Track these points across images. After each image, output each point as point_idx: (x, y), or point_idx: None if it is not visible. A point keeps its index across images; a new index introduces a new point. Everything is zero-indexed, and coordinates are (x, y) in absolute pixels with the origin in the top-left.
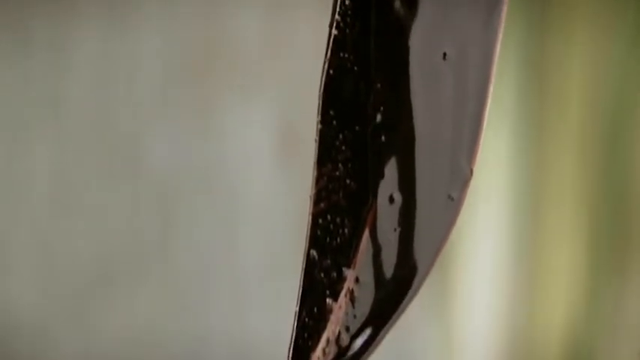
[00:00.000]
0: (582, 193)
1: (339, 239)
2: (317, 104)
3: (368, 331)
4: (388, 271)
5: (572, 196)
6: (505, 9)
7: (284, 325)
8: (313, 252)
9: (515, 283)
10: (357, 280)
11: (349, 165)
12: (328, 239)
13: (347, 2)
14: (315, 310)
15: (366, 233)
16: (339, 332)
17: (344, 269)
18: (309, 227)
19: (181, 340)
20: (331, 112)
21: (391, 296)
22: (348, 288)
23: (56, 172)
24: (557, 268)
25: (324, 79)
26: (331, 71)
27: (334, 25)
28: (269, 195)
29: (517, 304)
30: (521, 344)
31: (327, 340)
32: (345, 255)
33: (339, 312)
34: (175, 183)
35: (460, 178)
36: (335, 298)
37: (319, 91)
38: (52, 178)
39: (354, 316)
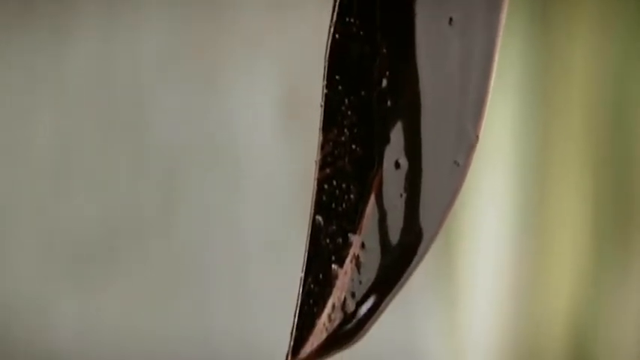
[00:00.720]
0: (588, 158)
1: (344, 205)
2: (322, 69)
3: (373, 297)
4: (394, 236)
5: (578, 161)
6: None
7: (289, 292)
8: (319, 218)
9: (520, 249)
10: (362, 245)
11: (355, 130)
12: (334, 205)
13: None
14: (321, 276)
15: (372, 199)
16: (345, 298)
17: (349, 235)
18: (315, 193)
19: (183, 311)
20: (337, 77)
21: (397, 262)
22: (354, 254)
23: (57, 143)
24: (563, 231)
25: (329, 43)
26: (337, 36)
27: None
28: (273, 161)
29: (522, 270)
30: (526, 310)
31: (333, 306)
32: (351, 221)
33: (344, 278)
34: (178, 152)
35: (466, 143)
36: (340, 264)
37: (325, 56)
38: (54, 149)
39: (360, 282)
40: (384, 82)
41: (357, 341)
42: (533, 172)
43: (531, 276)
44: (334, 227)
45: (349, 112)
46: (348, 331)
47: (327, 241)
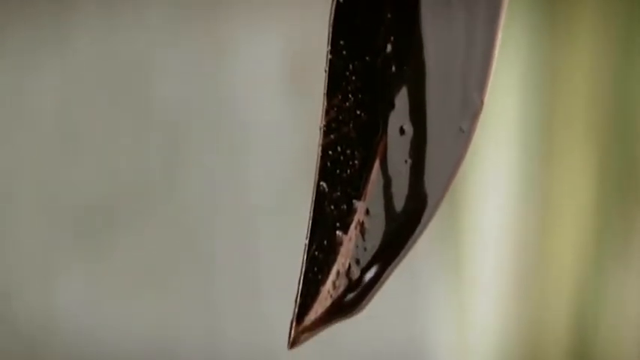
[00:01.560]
0: (592, 127)
1: (349, 171)
2: (326, 34)
3: (378, 264)
4: (399, 203)
5: (583, 130)
6: None
7: (294, 258)
8: (323, 184)
9: (525, 215)
10: (367, 212)
11: (359, 96)
12: (338, 171)
13: None
14: (325, 242)
15: (377, 165)
16: (349, 265)
17: (354, 201)
18: (319, 159)
19: (187, 275)
20: (341, 42)
21: (402, 228)
22: (359, 220)
23: (61, 110)
24: (567, 200)
25: (333, 8)
26: (341, 0)
27: None
28: (278, 127)
29: (527, 236)
30: (531, 277)
31: (337, 273)
32: (355, 187)
33: (349, 244)
34: (182, 117)
35: (471, 109)
36: (345, 231)
37: (329, 21)
38: (57, 116)
39: (365, 249)
40: (389, 48)
41: (361, 308)
42: (538, 140)
43: (535, 243)
44: (338, 193)
45: (354, 78)
46: (352, 298)
47: (332, 207)
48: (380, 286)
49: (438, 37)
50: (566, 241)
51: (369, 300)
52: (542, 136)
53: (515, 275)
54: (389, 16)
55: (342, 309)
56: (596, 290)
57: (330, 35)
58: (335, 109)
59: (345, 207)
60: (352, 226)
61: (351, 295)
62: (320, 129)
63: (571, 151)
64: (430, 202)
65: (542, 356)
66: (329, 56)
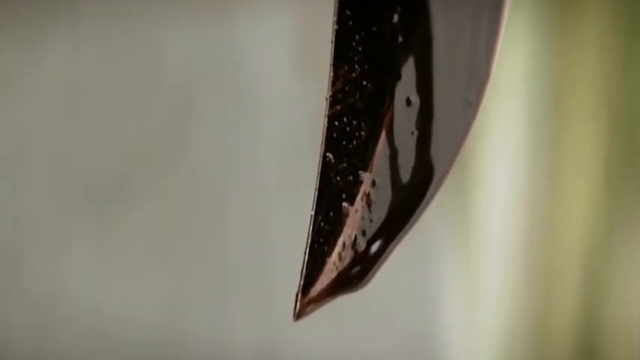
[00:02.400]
0: (600, 97)
1: (355, 142)
2: (333, 4)
3: (384, 235)
4: (405, 174)
5: (591, 96)
6: None
7: (300, 229)
8: (329, 155)
9: (533, 184)
10: (373, 183)
11: (366, 66)
12: (344, 142)
13: None
14: (331, 214)
15: (383, 136)
16: (356, 236)
17: (360, 172)
18: (325, 130)
19: (198, 247)
20: (347, 13)
21: (408, 200)
22: (365, 191)
23: (69, 80)
24: (576, 164)
25: None
26: None
27: None
28: (284, 98)
29: (535, 205)
30: (539, 245)
31: (343, 245)
32: (362, 158)
33: (355, 216)
34: (192, 89)
35: (478, 80)
36: (351, 202)
37: None
38: (65, 86)
39: (371, 220)
40: (396, 18)
41: (368, 281)
42: (546, 110)
43: (544, 212)
44: (345, 165)
45: (360, 48)
46: (358, 270)
47: (338, 178)
48: (386, 258)
49: (445, 7)
50: (575, 209)
51: (375, 272)
52: (550, 105)
53: (524, 245)
54: None
55: (347, 281)
56: (605, 256)
57: (337, 5)
58: (341, 79)
59: (351, 178)
60: (358, 197)
61: (357, 267)
62: (326, 100)
63: (579, 120)
64: (437, 173)
65: (551, 320)
66: (335, 26)
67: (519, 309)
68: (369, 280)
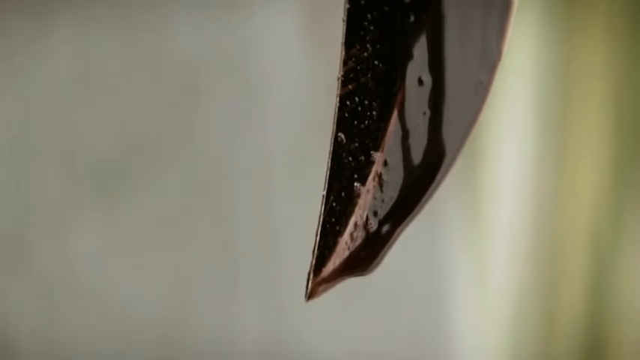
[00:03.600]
0: (610, 81)
1: (367, 122)
2: None
3: (396, 216)
4: (417, 154)
5: (600, 77)
6: None
7: (308, 211)
8: (341, 135)
9: (542, 165)
10: (385, 163)
11: (377, 46)
12: (356, 122)
13: None
14: (343, 194)
15: (395, 116)
16: (367, 217)
17: (372, 152)
18: (337, 109)
19: (204, 226)
20: None
21: (419, 180)
22: (376, 171)
23: (77, 60)
24: (584, 146)
25: None
26: None
27: None
28: (295, 77)
29: (544, 186)
30: (548, 227)
31: (355, 225)
32: (373, 138)
33: (367, 196)
34: (199, 68)
35: (489, 60)
36: (363, 182)
37: None
38: (73, 66)
39: (382, 201)
40: None
41: (378, 263)
42: (554, 90)
43: (552, 193)
44: (356, 144)
45: (372, 28)
46: (370, 250)
47: (350, 158)
48: (397, 238)
49: None
50: (583, 190)
51: (385, 253)
52: (558, 86)
53: (532, 227)
54: None
55: (359, 261)
56: (613, 239)
57: None
58: (353, 59)
59: (362, 158)
60: (370, 177)
61: (368, 247)
62: (338, 79)
63: (588, 101)
64: (448, 153)
65: (559, 302)
66: (347, 5)
67: (527, 290)
68: (379, 261)
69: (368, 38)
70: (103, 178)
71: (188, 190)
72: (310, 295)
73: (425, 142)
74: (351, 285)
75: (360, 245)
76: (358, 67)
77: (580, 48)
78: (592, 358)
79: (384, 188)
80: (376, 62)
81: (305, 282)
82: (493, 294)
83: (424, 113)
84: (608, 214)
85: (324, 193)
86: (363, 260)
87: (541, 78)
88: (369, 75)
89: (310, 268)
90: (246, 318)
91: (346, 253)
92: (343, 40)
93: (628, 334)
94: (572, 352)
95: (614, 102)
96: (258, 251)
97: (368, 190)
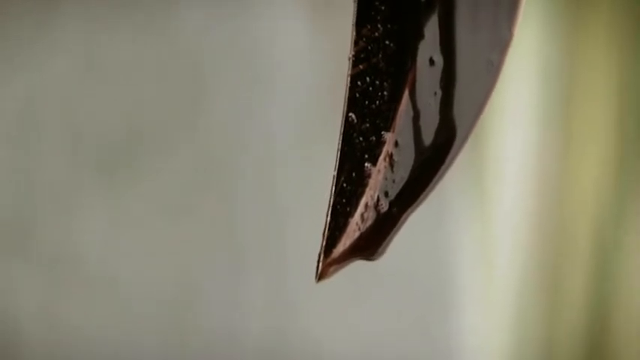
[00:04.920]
0: (614, 59)
1: (378, 102)
2: None
3: (406, 196)
4: (427, 134)
5: (605, 60)
6: None
7: (318, 193)
8: (352, 115)
9: (547, 146)
10: (396, 143)
11: (389, 26)
12: (367, 102)
13: None
14: (354, 174)
15: (406, 96)
16: (378, 197)
17: (383, 133)
18: (348, 90)
19: (211, 212)
20: None
21: (430, 160)
22: (387, 152)
23: (84, 44)
24: (589, 128)
25: None
26: None
27: None
28: (306, 58)
29: (548, 174)
30: (552, 215)
31: (366, 206)
32: (384, 118)
33: (377, 176)
34: (206, 51)
35: (501, 41)
36: (374, 163)
37: None
38: (79, 49)
39: (393, 181)
40: None
41: (388, 243)
42: (560, 73)
43: (557, 180)
44: (367, 125)
45: (383, 8)
46: (380, 231)
47: (360, 139)
48: (406, 219)
49: None
50: (587, 176)
51: (395, 234)
52: (563, 73)
53: (536, 212)
54: None
55: (369, 242)
56: (615, 224)
57: None
58: (364, 39)
59: (373, 138)
60: (381, 157)
61: (378, 228)
62: (349, 59)
63: (592, 89)
64: (459, 134)
65: (563, 284)
66: None
67: (531, 276)
68: (388, 243)
69: (379, 18)
70: (109, 162)
71: (194, 174)
72: (321, 276)
73: (436, 122)
74: (357, 268)
75: (370, 226)
76: (369, 47)
77: (585, 37)
78: (595, 344)
79: (395, 169)
80: (387, 42)
81: (312, 264)
82: (498, 279)
83: (435, 93)
84: (612, 200)
85: (335, 173)
86: (373, 241)
87: (546, 64)
88: (380, 55)
89: (320, 249)
90: (253, 301)
91: (357, 234)
92: (354, 21)
93: (631, 320)
94: (576, 338)
95: (618, 91)
96: (264, 235)
97: (379, 171)
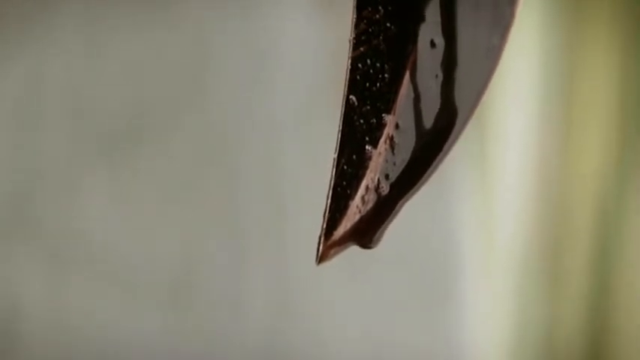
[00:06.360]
0: (616, 34)
1: (378, 84)
2: None
3: (407, 179)
4: (428, 117)
5: (606, 35)
6: None
7: (320, 172)
8: (352, 97)
9: (548, 124)
10: (397, 126)
11: (389, 8)
12: (368, 84)
13: None
14: (354, 157)
15: (407, 78)
16: (379, 180)
17: (384, 115)
18: (348, 72)
19: (210, 186)
20: None
21: (431, 143)
22: (388, 134)
23: (88, 16)
24: (590, 104)
25: None
26: None
27: None
28: (307, 40)
29: (550, 149)
30: (555, 190)
31: (366, 188)
32: (385, 100)
33: (378, 159)
34: (209, 29)
35: (502, 23)
36: (374, 145)
37: None
38: (83, 23)
39: (394, 164)
40: None
41: (386, 226)
42: (560, 49)
43: (559, 155)
44: (368, 107)
45: None
46: (381, 213)
47: (361, 121)
48: (407, 201)
49: None
50: (589, 150)
51: (396, 215)
52: (566, 47)
53: (538, 187)
54: None
55: (370, 224)
56: (617, 198)
57: None
58: (365, 21)
59: (374, 121)
60: (382, 140)
61: (379, 210)
62: (349, 41)
63: (594, 59)
64: (460, 116)
65: (564, 261)
66: None
67: (533, 252)
68: (389, 222)
69: (380, 0)
70: (112, 141)
71: (197, 152)
72: (321, 258)
73: (437, 105)
74: (359, 249)
75: (371, 208)
76: (370, 30)
77: (586, 19)
78: (597, 316)
79: (395, 151)
80: (388, 24)
81: (314, 246)
82: (499, 256)
83: (436, 76)
84: (614, 173)
85: (336, 155)
86: (374, 224)
87: (547, 34)
88: (381, 37)
89: (321, 231)
90: (254, 281)
91: (357, 217)
92: (355, 3)
93: (633, 293)
94: (578, 310)
95: (620, 69)
96: (266, 214)
97: (380, 153)
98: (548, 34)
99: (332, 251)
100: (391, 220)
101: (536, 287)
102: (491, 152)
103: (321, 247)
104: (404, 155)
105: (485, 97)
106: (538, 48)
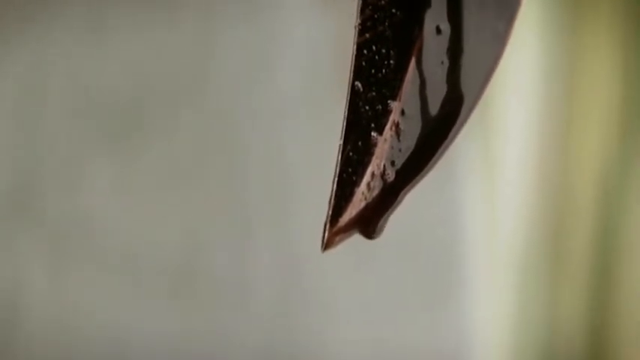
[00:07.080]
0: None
1: (384, 70)
2: None
3: (413, 165)
4: (434, 103)
5: (608, 21)
6: None
7: (326, 157)
8: (358, 84)
9: (550, 110)
10: (402, 112)
11: None
12: (373, 71)
13: None
14: (360, 143)
15: (412, 64)
16: (384, 166)
17: (389, 102)
18: (354, 58)
19: (216, 173)
20: None
21: (437, 129)
22: (394, 121)
23: (89, 20)
24: (592, 90)
25: None
26: None
27: None
28: (312, 26)
29: (552, 131)
30: (557, 177)
31: (372, 175)
32: (391, 87)
33: (384, 146)
34: (213, 12)
35: (508, 10)
36: (380, 132)
37: None
38: (87, 14)
39: (400, 150)
40: None
41: (393, 210)
42: (562, 36)
43: (561, 142)
44: (374, 93)
45: None
46: (386, 200)
47: (367, 107)
48: (413, 187)
49: None
50: (591, 136)
51: (401, 201)
52: (566, 31)
53: (541, 173)
54: None
55: (375, 211)
56: (619, 178)
57: None
58: (370, 7)
59: (380, 107)
60: (387, 126)
61: (385, 197)
62: (355, 27)
63: (595, 54)
64: (466, 103)
65: (567, 245)
66: None
67: (536, 238)
68: (394, 208)
69: None
70: (115, 127)
71: (201, 137)
72: (326, 245)
73: (443, 91)
74: (364, 240)
75: (377, 195)
76: (376, 16)
77: (588, 8)
78: (599, 311)
79: (401, 137)
80: (394, 10)
81: (319, 232)
82: (501, 250)
83: (442, 62)
84: (616, 168)
85: (341, 142)
86: (379, 211)
87: (550, 35)
88: (387, 23)
89: (326, 218)
90: (258, 269)
91: (363, 204)
92: None
93: (636, 286)
94: (580, 306)
95: (621, 59)
96: (271, 199)
97: (385, 140)
98: (549, 29)
99: (337, 238)
100: (394, 209)
101: (537, 282)
102: (493, 147)
103: (326, 234)
104: (409, 142)
105: (491, 84)
106: (539, 43)
